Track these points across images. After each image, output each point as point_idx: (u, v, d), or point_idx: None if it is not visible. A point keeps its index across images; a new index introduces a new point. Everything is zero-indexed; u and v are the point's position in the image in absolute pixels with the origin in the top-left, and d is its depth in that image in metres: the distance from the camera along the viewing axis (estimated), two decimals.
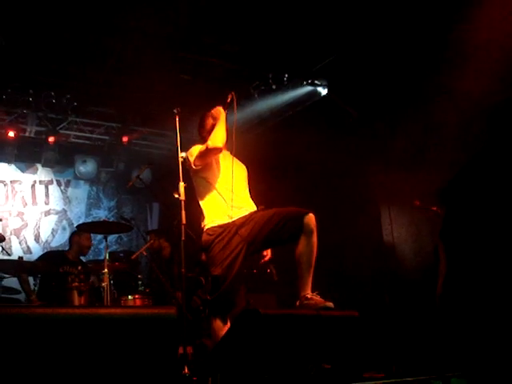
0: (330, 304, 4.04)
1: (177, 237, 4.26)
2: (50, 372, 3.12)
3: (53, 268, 6.27)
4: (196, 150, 4.36)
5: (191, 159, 4.33)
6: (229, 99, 4.45)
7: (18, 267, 6.28)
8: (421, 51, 6.03)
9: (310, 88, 7.61)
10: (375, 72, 6.59)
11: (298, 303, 4.10)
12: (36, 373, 3.09)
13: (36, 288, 6.38)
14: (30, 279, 6.52)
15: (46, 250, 8.70)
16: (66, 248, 8.74)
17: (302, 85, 7.64)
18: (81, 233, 6.91)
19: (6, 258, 6.76)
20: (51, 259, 6.64)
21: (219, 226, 4.24)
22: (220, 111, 4.45)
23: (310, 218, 4.15)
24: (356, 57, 6.66)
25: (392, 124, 6.54)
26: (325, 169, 7.08)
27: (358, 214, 6.62)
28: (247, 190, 4.55)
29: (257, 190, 4.70)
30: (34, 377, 3.07)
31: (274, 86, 7.73)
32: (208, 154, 4.27)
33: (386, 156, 6.47)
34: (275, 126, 7.84)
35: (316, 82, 7.55)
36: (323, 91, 7.54)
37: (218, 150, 4.27)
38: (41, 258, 6.99)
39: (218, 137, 4.27)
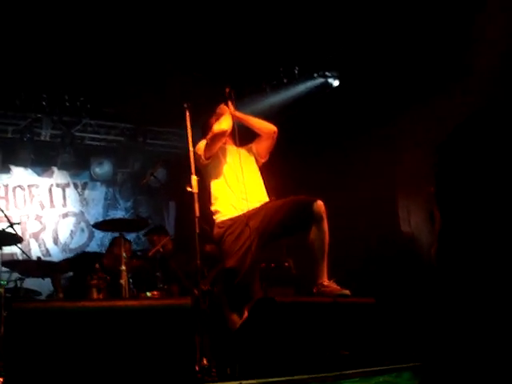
0: (347, 291, 4.05)
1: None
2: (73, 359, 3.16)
3: (78, 269, 6.22)
4: (203, 143, 4.44)
5: (200, 153, 4.40)
6: (227, 93, 4.57)
7: (42, 268, 6.31)
8: (431, 39, 5.98)
9: (321, 80, 7.61)
10: (387, 61, 6.55)
11: (315, 290, 4.11)
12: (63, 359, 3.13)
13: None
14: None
15: (65, 252, 8.78)
16: (87, 248, 8.88)
17: (313, 77, 7.64)
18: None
19: (28, 259, 6.82)
20: (77, 262, 6.56)
21: (230, 219, 4.28)
22: (224, 107, 4.56)
23: (319, 206, 4.19)
24: (367, 47, 6.64)
25: (409, 111, 6.49)
26: (341, 157, 7.05)
27: (375, 203, 6.58)
28: (259, 180, 4.58)
29: (273, 179, 4.74)
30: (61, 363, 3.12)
31: (285, 80, 7.75)
32: (215, 140, 4.34)
33: (405, 143, 6.42)
34: (290, 116, 7.80)
35: (327, 73, 7.55)
36: (335, 82, 7.54)
37: (224, 134, 4.36)
38: (67, 259, 6.99)
39: (223, 122, 4.37)
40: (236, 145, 4.58)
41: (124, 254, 5.76)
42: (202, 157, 4.41)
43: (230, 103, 4.58)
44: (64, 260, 7.16)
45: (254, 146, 4.75)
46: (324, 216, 4.17)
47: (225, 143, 4.54)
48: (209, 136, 4.40)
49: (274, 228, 4.24)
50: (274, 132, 4.68)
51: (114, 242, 6.57)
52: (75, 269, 6.32)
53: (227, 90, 4.60)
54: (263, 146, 4.72)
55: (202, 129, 4.68)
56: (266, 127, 4.70)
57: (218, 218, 4.36)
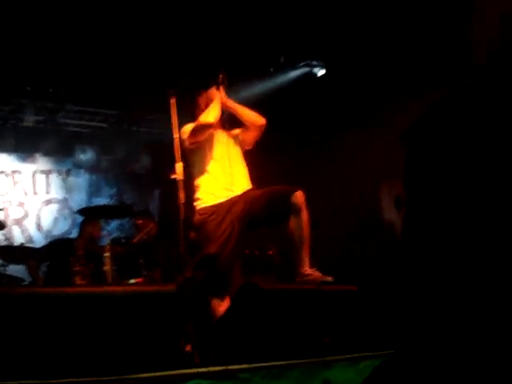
0: (329, 278, 4.10)
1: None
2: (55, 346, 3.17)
3: (58, 255, 6.23)
4: (188, 127, 4.42)
5: (184, 137, 4.38)
6: (220, 79, 4.52)
7: (25, 254, 6.30)
8: (417, 28, 6.00)
9: (306, 69, 7.65)
10: (372, 49, 6.56)
11: (297, 279, 4.15)
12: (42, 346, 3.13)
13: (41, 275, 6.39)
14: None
15: (47, 239, 8.70)
16: (70, 236, 8.81)
17: (298, 66, 7.67)
18: (91, 221, 6.69)
19: (10, 245, 6.79)
20: (58, 248, 6.56)
21: (212, 206, 4.30)
22: (214, 93, 4.51)
23: (298, 196, 4.22)
24: (352, 35, 6.65)
25: (391, 100, 6.50)
26: (324, 147, 7.07)
27: (358, 192, 6.61)
28: (244, 168, 4.58)
29: (256, 168, 4.75)
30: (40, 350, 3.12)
31: (271, 69, 7.76)
32: (200, 130, 4.33)
33: (387, 131, 6.45)
34: (274, 106, 7.82)
35: (313, 62, 7.58)
36: (319, 72, 7.59)
37: (209, 126, 4.33)
38: (47, 245, 6.97)
39: (211, 113, 4.34)
40: (225, 130, 4.56)
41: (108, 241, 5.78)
42: (187, 141, 4.40)
43: (221, 89, 4.54)
44: (43, 246, 7.13)
45: (240, 134, 4.73)
46: (303, 206, 4.20)
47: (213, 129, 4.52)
48: (194, 125, 4.38)
49: (254, 216, 4.29)
50: (263, 125, 4.66)
51: (83, 224, 6.70)
52: (54, 256, 6.30)
53: (221, 75, 4.54)
54: (250, 135, 4.70)
55: (190, 108, 4.64)
56: (254, 119, 4.65)
57: (199, 205, 4.38)
